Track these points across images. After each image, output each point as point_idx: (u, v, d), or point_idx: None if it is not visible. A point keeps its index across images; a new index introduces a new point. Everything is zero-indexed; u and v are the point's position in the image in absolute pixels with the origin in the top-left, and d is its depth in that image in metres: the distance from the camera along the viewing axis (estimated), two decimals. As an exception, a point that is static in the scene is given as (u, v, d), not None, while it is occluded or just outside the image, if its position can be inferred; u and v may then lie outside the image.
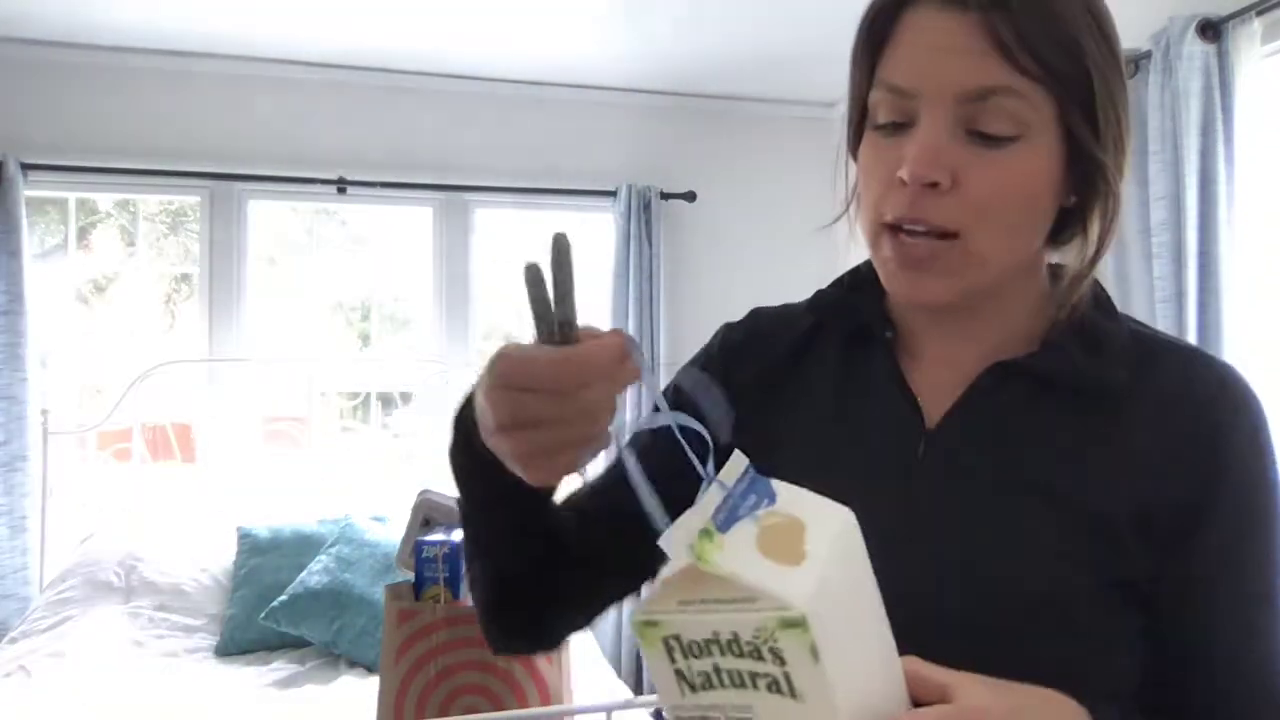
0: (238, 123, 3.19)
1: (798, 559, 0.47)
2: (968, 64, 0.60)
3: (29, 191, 2.94)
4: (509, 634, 0.78)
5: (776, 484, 0.50)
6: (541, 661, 1.32)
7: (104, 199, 3.44)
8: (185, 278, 3.42)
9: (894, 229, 0.64)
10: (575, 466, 0.52)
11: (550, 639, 0.82)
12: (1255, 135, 2.14)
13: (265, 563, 2.70)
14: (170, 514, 3.00)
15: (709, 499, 0.49)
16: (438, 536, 1.40)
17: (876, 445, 0.69)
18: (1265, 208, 2.15)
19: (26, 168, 2.91)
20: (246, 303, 3.24)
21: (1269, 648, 0.63)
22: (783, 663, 0.46)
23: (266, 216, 3.38)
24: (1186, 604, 0.63)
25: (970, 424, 0.67)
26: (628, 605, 0.75)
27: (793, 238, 3.73)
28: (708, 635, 0.47)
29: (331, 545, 2.70)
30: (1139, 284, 2.34)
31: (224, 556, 2.80)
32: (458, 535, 1.41)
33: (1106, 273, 2.47)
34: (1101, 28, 0.63)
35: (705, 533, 0.48)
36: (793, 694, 0.46)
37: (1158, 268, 2.23)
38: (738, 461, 0.51)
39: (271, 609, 2.55)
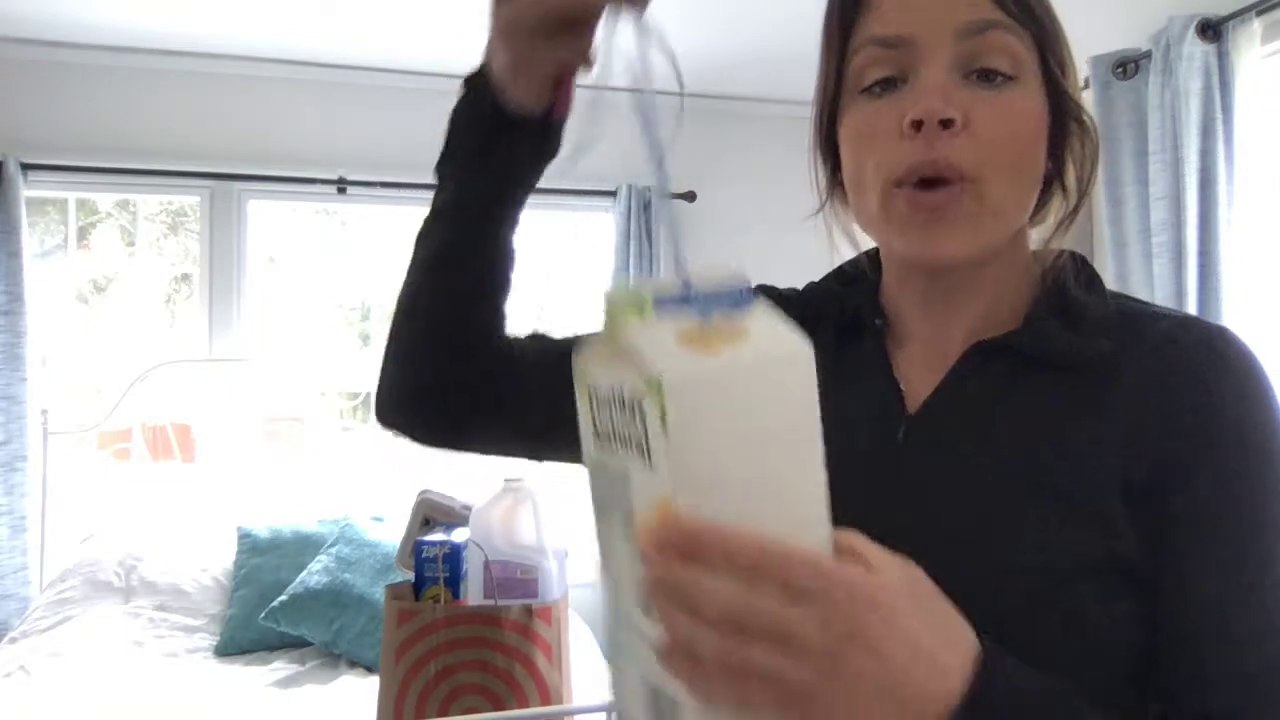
0: (238, 123, 3.19)
1: (705, 352, 0.44)
2: (959, 1, 0.61)
3: (29, 191, 2.94)
4: (408, 394, 0.78)
5: (759, 303, 0.47)
6: (541, 661, 1.33)
7: (104, 199, 3.44)
8: (185, 278, 3.42)
9: (900, 184, 0.62)
10: (556, 62, 0.59)
11: (440, 424, 0.80)
12: (1255, 135, 2.14)
13: (265, 563, 2.71)
14: (170, 514, 3.00)
15: (670, 283, 0.48)
16: (438, 536, 1.40)
17: (860, 432, 0.69)
18: (1265, 208, 2.15)
19: (26, 168, 2.91)
20: (246, 303, 3.24)
21: (1266, 615, 0.57)
22: (645, 427, 0.45)
23: (266, 216, 3.38)
24: (1171, 569, 0.59)
25: (951, 406, 0.66)
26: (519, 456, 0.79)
27: (792, 238, 3.72)
28: (609, 390, 0.48)
29: (331, 545, 2.70)
30: (1139, 284, 2.34)
31: (224, 556, 2.80)
32: (458, 535, 1.42)
33: (1107, 273, 2.48)
34: None
35: (637, 305, 0.47)
36: (650, 463, 0.45)
37: (1158, 268, 2.23)
38: (734, 275, 0.48)
39: (271, 609, 2.55)
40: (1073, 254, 0.68)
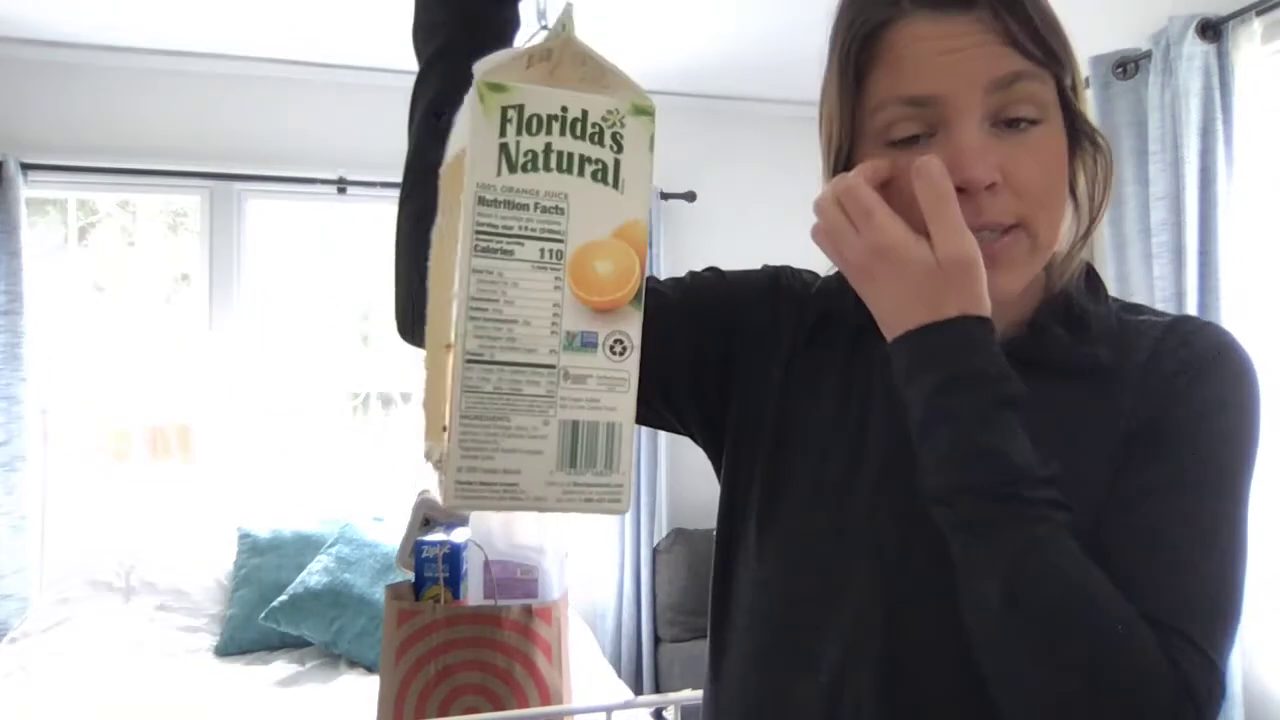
0: (238, 123, 3.19)
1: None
2: (990, 54, 0.61)
3: (29, 191, 2.94)
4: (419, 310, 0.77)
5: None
6: (541, 661, 1.33)
7: (104, 199, 3.43)
8: (185, 277, 3.42)
9: None
10: None
11: None
12: (1255, 135, 2.14)
13: (265, 563, 2.71)
14: (170, 514, 3.00)
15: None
16: (438, 536, 1.40)
17: (872, 443, 0.70)
18: (1265, 208, 2.15)
19: (26, 168, 2.91)
20: (246, 303, 3.24)
21: (1176, 536, 0.60)
22: (619, 149, 0.49)
23: (266, 216, 3.38)
24: (1114, 500, 0.62)
25: None
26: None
27: (793, 238, 3.72)
28: (554, 111, 0.49)
29: (331, 545, 2.70)
30: (1139, 284, 2.34)
31: (224, 556, 2.80)
32: (458, 535, 1.42)
33: (1107, 273, 2.48)
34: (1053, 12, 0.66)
35: (564, 28, 0.52)
36: (616, 183, 0.49)
37: (1158, 268, 2.23)
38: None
39: (271, 609, 2.55)
40: (1076, 259, 0.70)
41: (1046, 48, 0.62)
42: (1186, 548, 0.60)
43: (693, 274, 0.82)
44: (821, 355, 0.76)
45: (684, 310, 0.78)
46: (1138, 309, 0.71)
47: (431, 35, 0.74)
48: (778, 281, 0.81)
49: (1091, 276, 0.71)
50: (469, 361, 0.49)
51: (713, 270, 0.82)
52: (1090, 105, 0.69)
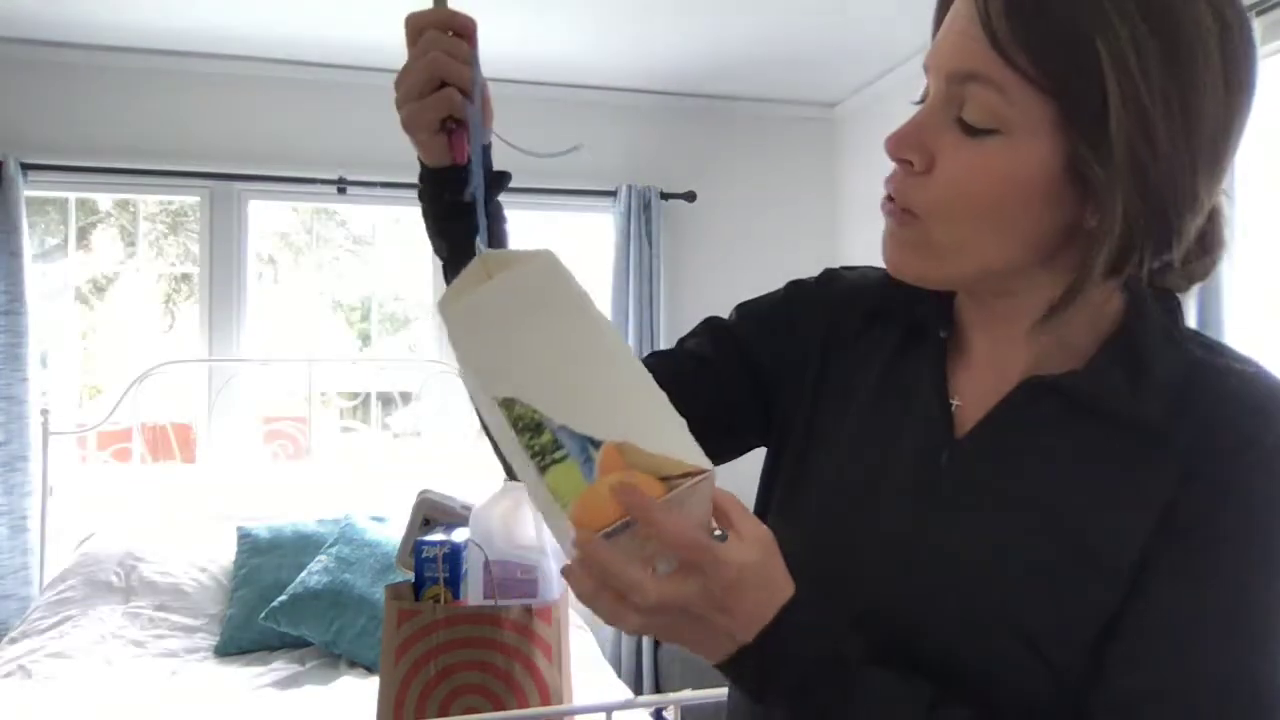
0: (238, 123, 3.19)
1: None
2: (958, 46, 0.58)
3: (29, 191, 2.94)
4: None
5: (484, 251, 0.65)
6: (541, 661, 1.33)
7: (104, 199, 3.44)
8: (185, 278, 3.43)
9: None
10: (434, 116, 0.71)
11: None
12: (1255, 135, 2.14)
13: (265, 563, 2.70)
14: (170, 514, 3.00)
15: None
16: (438, 536, 1.40)
17: (904, 448, 0.69)
18: (1265, 209, 2.15)
19: (26, 168, 2.91)
20: (246, 303, 3.24)
21: (1203, 660, 0.56)
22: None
23: (266, 216, 3.38)
24: (1141, 581, 0.58)
25: (996, 438, 0.65)
26: None
27: (793, 237, 3.73)
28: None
29: (331, 545, 2.70)
30: (1139, 284, 2.34)
31: (224, 556, 2.80)
32: (458, 535, 1.41)
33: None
34: (1155, 19, 0.53)
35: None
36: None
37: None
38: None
39: (271, 609, 2.55)
40: (1165, 295, 0.64)
41: (1041, 64, 0.54)
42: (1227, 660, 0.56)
43: (709, 322, 0.84)
44: (864, 354, 0.75)
45: (716, 364, 0.81)
46: (1219, 351, 0.63)
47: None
48: (795, 294, 0.82)
49: (1172, 313, 0.64)
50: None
51: (735, 309, 0.84)
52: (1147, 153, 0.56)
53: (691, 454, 0.56)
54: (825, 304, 0.79)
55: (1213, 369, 0.61)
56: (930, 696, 0.58)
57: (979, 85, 0.57)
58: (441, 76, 0.70)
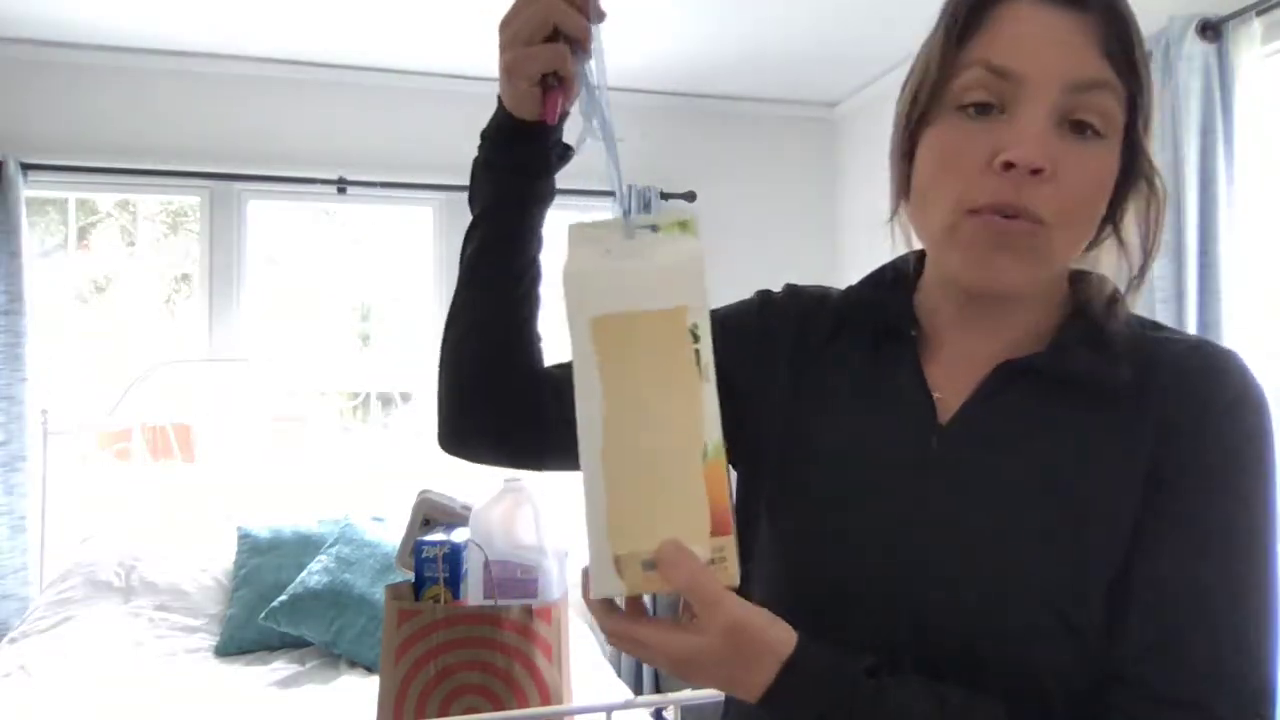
0: (238, 123, 3.19)
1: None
2: (1080, 56, 0.62)
3: (29, 191, 2.94)
4: (461, 433, 0.83)
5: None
6: (541, 661, 1.33)
7: (104, 199, 3.44)
8: (185, 278, 3.43)
9: (976, 212, 0.64)
10: (539, 69, 0.67)
11: (513, 443, 0.84)
12: (1255, 135, 2.14)
13: (265, 563, 2.70)
14: (170, 514, 3.00)
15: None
16: (438, 536, 1.40)
17: (893, 440, 0.71)
18: (1265, 208, 2.15)
19: (26, 168, 2.91)
20: (246, 303, 3.24)
21: (1213, 592, 0.61)
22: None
23: (266, 216, 3.38)
24: (1139, 553, 0.62)
25: (981, 421, 0.68)
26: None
27: (793, 238, 3.73)
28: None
29: (331, 545, 2.70)
30: (1139, 284, 2.34)
31: (224, 556, 2.80)
32: (458, 535, 1.42)
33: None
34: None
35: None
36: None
37: (1158, 267, 2.23)
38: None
39: (271, 609, 2.55)
40: (1100, 280, 0.71)
41: (1135, 72, 0.63)
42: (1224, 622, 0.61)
43: None
44: (837, 361, 0.76)
45: None
46: (1158, 327, 0.71)
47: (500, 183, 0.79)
48: (767, 302, 0.83)
49: (1114, 294, 0.71)
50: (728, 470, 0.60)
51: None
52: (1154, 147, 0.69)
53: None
54: (794, 314, 0.81)
55: (1160, 341, 0.68)
56: (960, 697, 0.60)
57: (1102, 93, 0.62)
58: (557, 24, 0.67)
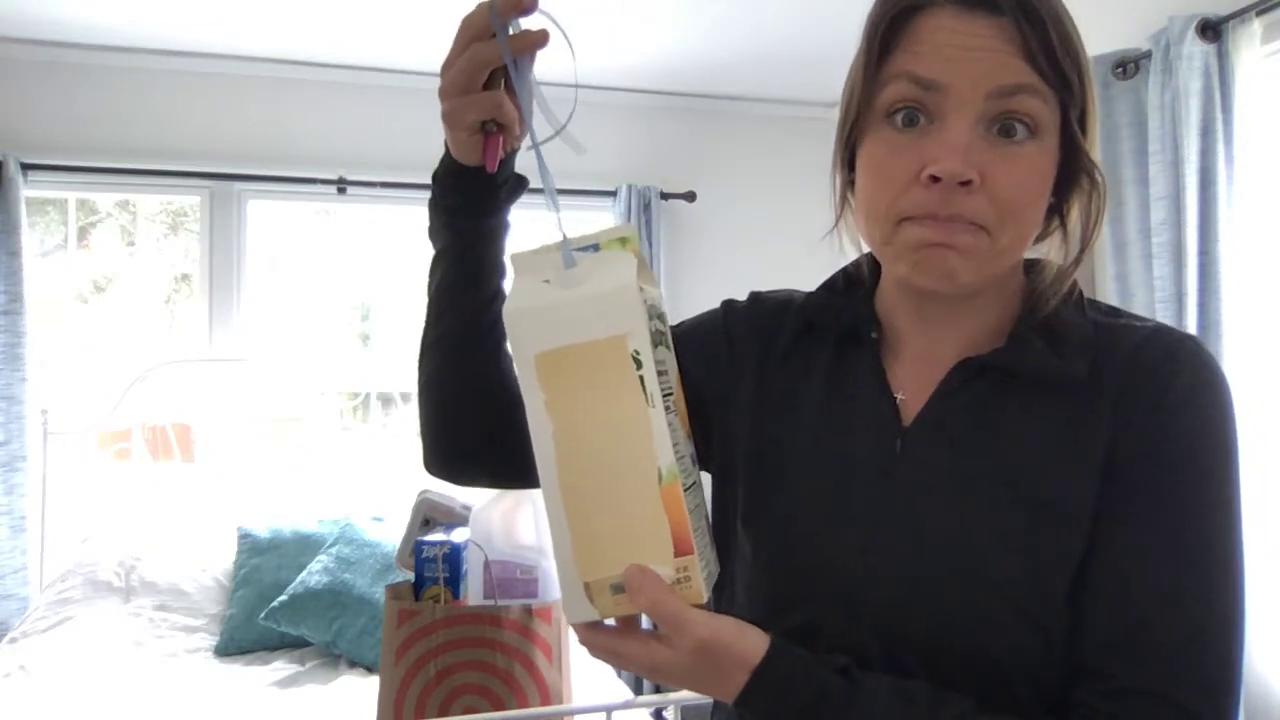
0: (238, 123, 3.19)
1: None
2: (1000, 62, 0.62)
3: (29, 191, 2.94)
4: (445, 457, 0.88)
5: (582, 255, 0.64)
6: (541, 661, 1.33)
7: (104, 199, 3.44)
8: (185, 278, 3.43)
9: (912, 219, 0.65)
10: (476, 117, 0.68)
11: (496, 465, 0.85)
12: (1255, 135, 2.14)
13: (265, 563, 2.70)
14: (170, 514, 3.00)
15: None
16: (438, 536, 1.41)
17: (859, 444, 0.72)
18: (1265, 208, 2.15)
19: (26, 168, 2.91)
20: (246, 303, 3.24)
21: (1176, 583, 0.61)
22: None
23: (266, 216, 3.38)
24: (1098, 539, 0.63)
25: (942, 421, 0.70)
26: None
27: (793, 237, 3.72)
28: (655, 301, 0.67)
29: (331, 545, 2.70)
30: (1139, 284, 2.34)
31: (224, 556, 2.80)
32: (458, 535, 1.42)
33: (1107, 273, 2.48)
34: (1082, 44, 0.67)
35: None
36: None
37: (1158, 268, 2.23)
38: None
39: (271, 609, 2.55)
40: (1058, 271, 0.71)
41: (1059, 71, 0.63)
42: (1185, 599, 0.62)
43: None
44: (802, 366, 0.78)
45: None
46: (1116, 313, 0.71)
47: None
48: (731, 312, 0.84)
49: (1072, 288, 0.72)
50: (686, 489, 0.60)
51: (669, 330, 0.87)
52: (1097, 140, 0.69)
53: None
54: (758, 323, 0.82)
55: (1118, 329, 0.69)
56: (928, 693, 0.61)
57: (1027, 96, 0.63)
58: (488, 65, 0.67)
